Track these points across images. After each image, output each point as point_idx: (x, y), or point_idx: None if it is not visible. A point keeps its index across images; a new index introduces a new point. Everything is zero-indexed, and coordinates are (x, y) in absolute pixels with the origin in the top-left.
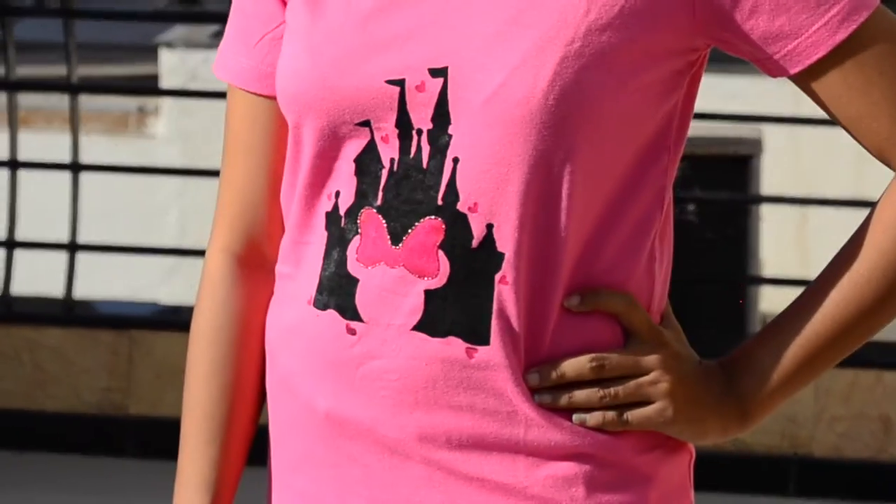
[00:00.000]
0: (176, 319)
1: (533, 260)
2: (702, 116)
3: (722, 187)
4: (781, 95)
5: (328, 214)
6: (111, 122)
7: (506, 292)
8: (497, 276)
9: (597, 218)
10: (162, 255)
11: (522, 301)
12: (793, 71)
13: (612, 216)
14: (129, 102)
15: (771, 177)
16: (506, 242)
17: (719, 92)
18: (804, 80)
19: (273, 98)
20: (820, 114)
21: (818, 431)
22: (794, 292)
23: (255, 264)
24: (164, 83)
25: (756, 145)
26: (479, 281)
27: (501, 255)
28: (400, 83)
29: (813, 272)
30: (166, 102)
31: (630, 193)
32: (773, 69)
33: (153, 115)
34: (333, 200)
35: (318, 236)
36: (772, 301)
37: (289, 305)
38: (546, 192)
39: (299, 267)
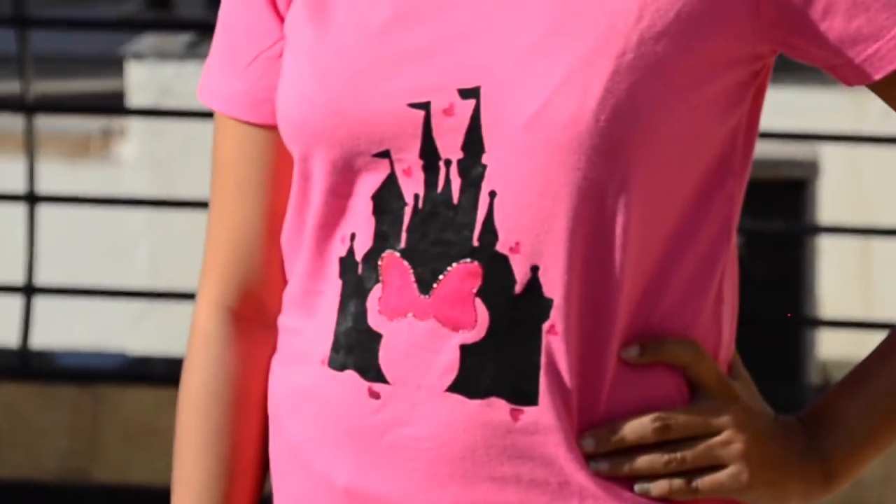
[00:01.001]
0: (146, 372)
1: (585, 306)
2: None
3: (773, 215)
4: (839, 109)
5: (342, 260)
6: (71, 146)
7: (555, 343)
8: (545, 326)
9: (657, 255)
10: (130, 299)
11: (574, 353)
12: (876, 77)
13: (674, 252)
14: (91, 123)
15: (829, 204)
16: (554, 287)
17: (768, 106)
18: (887, 87)
19: (269, 127)
20: (884, 130)
21: (886, 496)
22: (857, 335)
23: (252, 319)
24: (132, 101)
25: (811, 168)
26: (524, 332)
27: (549, 302)
28: (424, 106)
29: (878, 312)
30: (134, 123)
31: (693, 226)
32: (852, 76)
33: (119, 137)
34: (348, 244)
35: (332, 285)
36: (832, 345)
37: (298, 365)
38: (598, 227)
39: (309, 320)
